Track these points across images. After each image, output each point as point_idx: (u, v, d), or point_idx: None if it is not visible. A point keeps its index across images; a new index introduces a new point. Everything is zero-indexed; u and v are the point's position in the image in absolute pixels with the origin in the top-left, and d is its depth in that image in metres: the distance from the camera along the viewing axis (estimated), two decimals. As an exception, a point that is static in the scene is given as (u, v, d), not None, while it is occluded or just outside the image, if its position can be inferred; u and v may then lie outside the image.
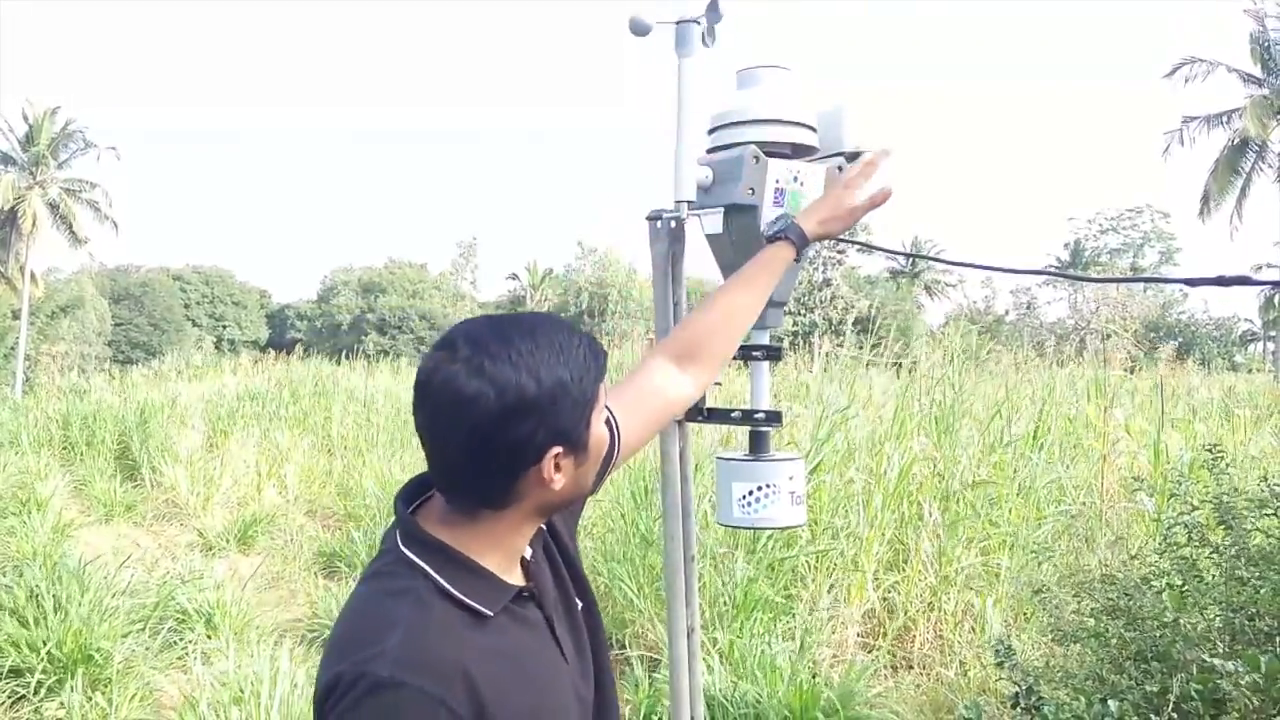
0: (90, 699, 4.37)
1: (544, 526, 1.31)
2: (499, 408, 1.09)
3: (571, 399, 1.14)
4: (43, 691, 4.46)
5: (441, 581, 1.13)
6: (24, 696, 4.45)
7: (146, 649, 4.87)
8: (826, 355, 7.66)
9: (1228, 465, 3.49)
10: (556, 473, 1.15)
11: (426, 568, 1.13)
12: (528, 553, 1.26)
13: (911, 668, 4.78)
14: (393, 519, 1.24)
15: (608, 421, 1.27)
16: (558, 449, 1.14)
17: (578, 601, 1.34)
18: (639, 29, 1.77)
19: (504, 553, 1.20)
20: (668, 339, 1.60)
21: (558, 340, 1.15)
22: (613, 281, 45.66)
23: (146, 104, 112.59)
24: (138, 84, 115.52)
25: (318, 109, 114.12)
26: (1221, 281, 1.41)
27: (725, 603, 4.77)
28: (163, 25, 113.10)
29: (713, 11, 1.77)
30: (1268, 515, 3.21)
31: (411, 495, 1.24)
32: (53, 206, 35.50)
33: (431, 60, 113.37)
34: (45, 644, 4.56)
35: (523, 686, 1.15)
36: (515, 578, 1.22)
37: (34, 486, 9.11)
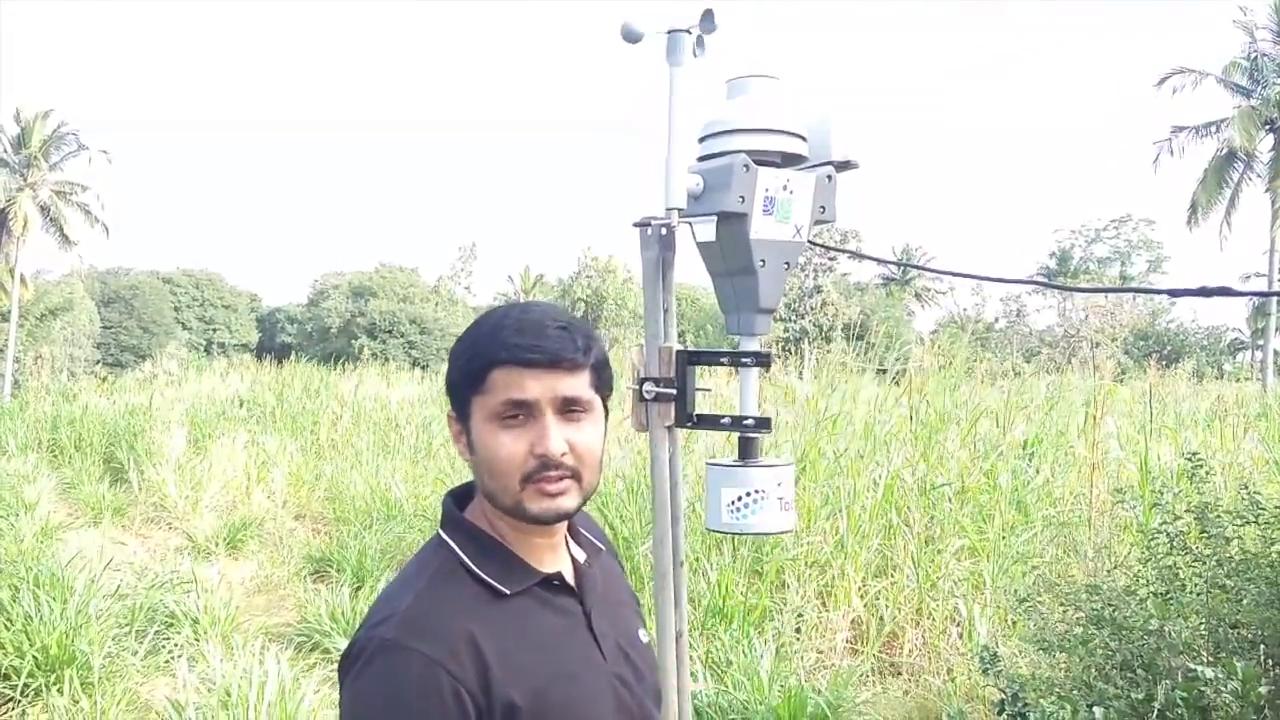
0: (76, 703, 4.35)
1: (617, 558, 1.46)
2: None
3: (455, 370, 1.23)
4: (30, 694, 4.44)
5: (464, 558, 1.21)
6: (11, 699, 4.43)
7: (133, 653, 4.85)
8: (817, 361, 7.68)
9: (1209, 473, 3.52)
10: (455, 440, 1.26)
11: (453, 545, 1.23)
12: (580, 557, 1.33)
13: (899, 674, 4.79)
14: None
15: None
16: (451, 411, 1.25)
17: (640, 634, 1.40)
18: (631, 36, 1.78)
19: (526, 544, 1.25)
20: None
21: (486, 320, 1.24)
22: (609, 291, 45.62)
23: (137, 100, 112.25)
24: (128, 81, 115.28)
25: (308, 110, 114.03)
26: (1204, 292, 1.43)
27: (709, 608, 4.77)
28: (153, 23, 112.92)
29: (707, 21, 1.78)
30: (1247, 524, 3.23)
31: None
32: (44, 209, 35.33)
33: (424, 59, 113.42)
34: (30, 646, 4.54)
35: (539, 661, 1.17)
36: (548, 567, 1.27)
37: (21, 489, 9.06)
